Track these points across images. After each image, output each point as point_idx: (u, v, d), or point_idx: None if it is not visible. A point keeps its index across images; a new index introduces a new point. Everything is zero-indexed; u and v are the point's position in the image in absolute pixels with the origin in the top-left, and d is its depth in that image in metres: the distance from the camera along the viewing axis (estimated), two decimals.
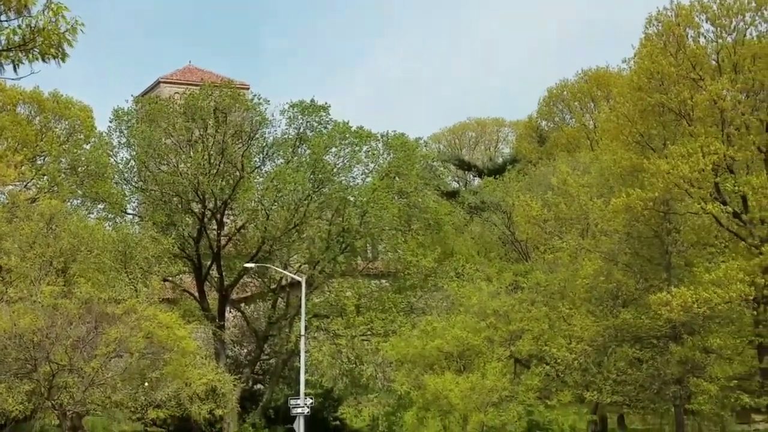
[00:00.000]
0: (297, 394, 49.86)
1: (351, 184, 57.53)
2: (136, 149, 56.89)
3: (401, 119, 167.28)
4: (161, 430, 46.18)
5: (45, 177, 62.40)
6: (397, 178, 57.60)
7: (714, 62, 40.96)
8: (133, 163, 57.92)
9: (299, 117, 56.82)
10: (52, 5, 12.48)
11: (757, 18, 40.62)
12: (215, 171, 54.24)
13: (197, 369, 46.96)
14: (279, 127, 57.68)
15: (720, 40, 40.76)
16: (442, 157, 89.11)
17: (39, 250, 46.41)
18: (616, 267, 43.24)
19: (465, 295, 51.23)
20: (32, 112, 66.89)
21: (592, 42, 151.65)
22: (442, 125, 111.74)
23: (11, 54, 12.60)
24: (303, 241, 56.89)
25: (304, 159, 56.27)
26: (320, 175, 55.24)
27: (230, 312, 62.01)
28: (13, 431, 47.06)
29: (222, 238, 57.19)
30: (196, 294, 58.08)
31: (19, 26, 12.57)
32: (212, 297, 59.26)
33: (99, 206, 58.55)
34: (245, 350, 63.36)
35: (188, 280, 60.24)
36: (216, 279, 58.33)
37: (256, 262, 54.82)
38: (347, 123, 57.18)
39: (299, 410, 48.19)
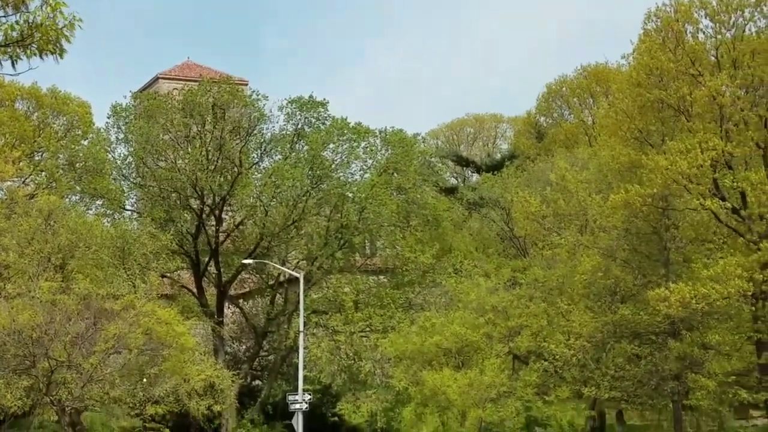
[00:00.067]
0: (295, 390, 49.89)
1: (349, 180, 57.53)
2: (134, 145, 56.87)
3: (401, 119, 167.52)
4: (160, 426, 46.14)
5: (43, 173, 62.43)
6: (395, 175, 57.58)
7: (713, 58, 40.91)
8: (131, 159, 57.91)
9: (297, 113, 56.78)
10: (50, 1, 12.46)
11: (756, 14, 40.56)
12: (213, 167, 54.21)
13: (196, 365, 46.99)
14: (277, 123, 57.72)
15: (719, 36, 40.71)
16: (440, 153, 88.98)
17: (37, 246, 46.40)
18: (614, 263, 43.25)
19: (463, 291, 51.26)
20: (30, 107, 66.91)
21: (593, 42, 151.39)
22: (441, 124, 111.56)
23: (9, 50, 12.58)
24: (301, 237, 56.89)
25: (302, 155, 56.24)
26: (318, 172, 55.21)
27: (229, 308, 62.01)
28: (12, 427, 47.09)
29: (220, 234, 57.16)
30: (195, 290, 58.09)
31: (17, 22, 12.55)
32: (210, 293, 59.25)
33: (97, 202, 58.59)
34: (244, 346, 63.36)
35: (186, 276, 60.23)
36: (214, 275, 58.33)
37: (254, 258, 54.83)
38: (345, 119, 57.21)
39: (298, 406, 48.24)
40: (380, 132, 58.14)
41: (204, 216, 56.15)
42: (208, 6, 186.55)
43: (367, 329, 55.45)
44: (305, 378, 51.33)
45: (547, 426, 46.94)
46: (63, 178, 59.95)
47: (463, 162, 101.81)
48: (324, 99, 57.35)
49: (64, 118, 67.24)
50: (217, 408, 48.81)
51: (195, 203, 56.03)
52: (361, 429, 55.90)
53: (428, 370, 46.48)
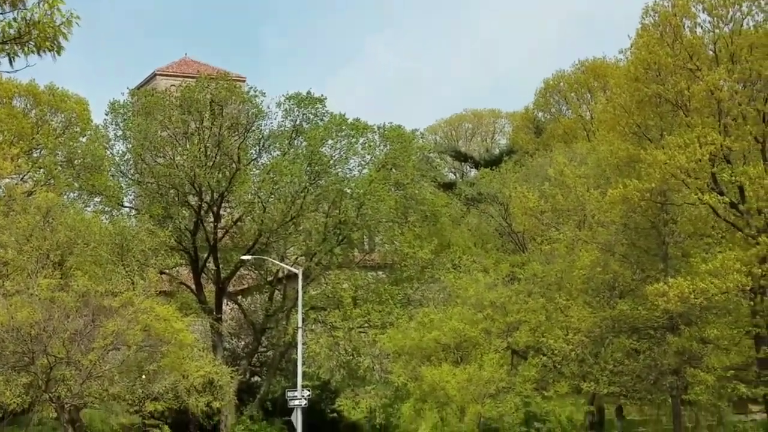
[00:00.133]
0: (294, 387, 49.91)
1: (348, 176, 57.53)
2: (132, 142, 56.87)
3: (401, 119, 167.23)
4: (159, 423, 46.16)
5: (41, 170, 62.43)
6: (393, 170, 57.58)
7: (711, 52, 40.88)
8: (130, 156, 57.89)
9: (295, 109, 56.75)
10: None
11: (753, 8, 40.49)
12: (212, 163, 54.19)
13: (195, 361, 47.02)
14: (275, 119, 57.71)
15: (717, 30, 40.66)
16: (438, 149, 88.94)
17: (36, 243, 46.40)
18: (612, 258, 43.25)
19: (462, 287, 51.27)
20: (28, 105, 66.91)
21: (593, 42, 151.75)
22: (439, 119, 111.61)
23: (7, 47, 12.57)
24: (300, 233, 56.89)
25: (300, 151, 56.21)
26: (317, 167, 55.20)
27: (227, 304, 62.01)
28: (11, 424, 47.11)
29: (219, 230, 57.13)
30: (193, 286, 58.09)
31: (15, 19, 12.55)
32: (209, 289, 59.25)
33: (95, 199, 58.52)
34: (242, 342, 63.37)
35: (185, 273, 60.24)
36: (213, 271, 58.33)
37: (252, 255, 54.84)
38: (343, 115, 57.20)
39: (297, 402, 48.25)
40: (378, 128, 58.16)
41: (202, 212, 56.13)
42: (207, 6, 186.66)
43: (366, 325, 55.46)
44: (304, 374, 51.35)
45: (546, 421, 46.94)
46: (61, 175, 59.92)
47: (462, 157, 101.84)
48: (322, 95, 57.44)
49: (62, 115, 67.24)
50: (216, 404, 48.84)
51: (193, 200, 56.00)
52: (360, 425, 55.95)
53: (427, 366, 46.51)
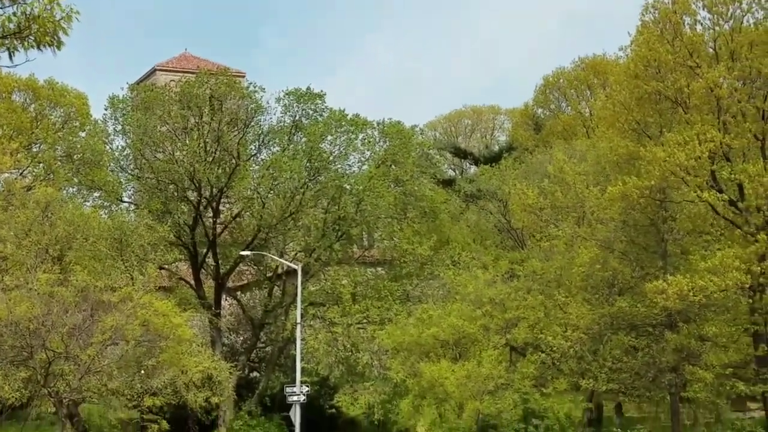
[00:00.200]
0: (293, 382, 49.90)
1: (347, 172, 57.45)
2: (131, 137, 56.78)
3: (401, 118, 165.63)
4: (157, 418, 46.12)
5: (41, 164, 62.42)
6: (393, 166, 57.52)
7: (711, 50, 40.86)
8: (129, 151, 57.81)
9: (295, 105, 56.68)
10: None
11: (754, 5, 40.50)
12: (211, 159, 54.15)
13: (193, 357, 46.98)
14: (275, 114, 57.66)
15: (717, 28, 40.65)
16: (438, 145, 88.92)
17: (35, 238, 46.38)
18: (612, 255, 43.27)
19: (461, 283, 51.30)
20: (27, 99, 66.91)
21: (593, 42, 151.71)
22: (438, 115, 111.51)
23: (6, 41, 12.56)
24: (299, 229, 56.84)
25: (300, 147, 56.14)
26: (316, 163, 55.16)
27: (226, 300, 61.99)
28: (10, 418, 47.13)
29: (218, 226, 57.09)
30: (192, 282, 58.05)
31: (14, 14, 12.53)
32: (208, 285, 59.22)
33: (95, 194, 58.44)
34: (241, 338, 63.34)
35: (184, 268, 60.21)
36: (212, 267, 58.30)
37: (252, 250, 54.78)
38: (343, 111, 57.09)
39: (295, 398, 48.25)
40: (378, 124, 58.08)
41: (201, 208, 56.07)
42: (207, 5, 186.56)
43: (365, 321, 55.44)
44: (303, 370, 51.35)
45: (545, 418, 46.97)
46: (60, 169, 59.89)
47: (461, 154, 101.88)
48: (321, 91, 57.35)
49: (62, 110, 67.24)
50: (214, 400, 48.81)
51: (192, 195, 55.95)
52: (359, 421, 56.00)
53: (426, 362, 46.54)
